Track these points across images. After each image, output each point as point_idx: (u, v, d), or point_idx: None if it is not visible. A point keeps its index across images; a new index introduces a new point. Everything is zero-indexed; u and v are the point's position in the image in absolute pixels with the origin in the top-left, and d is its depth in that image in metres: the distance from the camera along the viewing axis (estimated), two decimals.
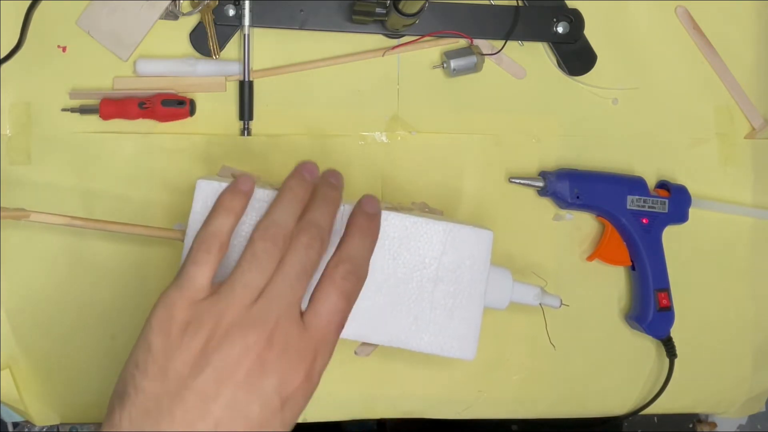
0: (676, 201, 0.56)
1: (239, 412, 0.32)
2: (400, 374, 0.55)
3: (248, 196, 0.39)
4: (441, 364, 0.55)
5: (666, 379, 0.56)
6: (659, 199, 0.55)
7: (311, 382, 0.34)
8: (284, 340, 0.33)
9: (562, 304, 0.50)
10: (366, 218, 0.39)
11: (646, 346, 0.58)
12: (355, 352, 0.47)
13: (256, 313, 0.33)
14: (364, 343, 0.46)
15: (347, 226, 0.39)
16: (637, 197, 0.55)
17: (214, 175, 0.46)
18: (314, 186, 0.40)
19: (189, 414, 0.31)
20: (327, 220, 0.38)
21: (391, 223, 0.44)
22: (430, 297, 0.44)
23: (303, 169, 0.40)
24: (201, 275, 0.35)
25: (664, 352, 0.56)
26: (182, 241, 0.44)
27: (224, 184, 0.41)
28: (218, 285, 0.35)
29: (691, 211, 0.56)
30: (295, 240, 0.36)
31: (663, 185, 0.57)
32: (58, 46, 0.53)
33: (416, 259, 0.44)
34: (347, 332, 0.41)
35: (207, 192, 0.43)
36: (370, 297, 0.44)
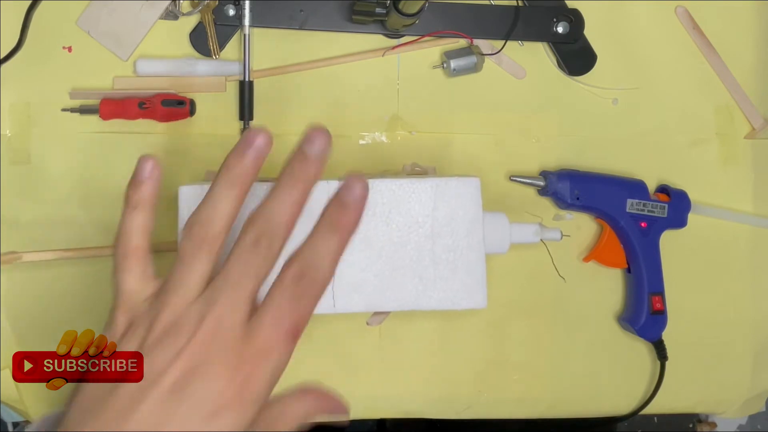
0: (676, 206, 0.56)
1: (160, 422, 0.29)
2: (401, 374, 0.55)
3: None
4: (441, 363, 0.55)
5: (658, 381, 0.56)
6: (659, 204, 0.55)
7: (243, 398, 0.29)
8: (217, 347, 0.30)
9: (563, 235, 0.50)
10: (339, 210, 0.32)
11: (643, 347, 0.57)
12: (367, 323, 0.46)
13: (192, 315, 0.30)
14: (375, 313, 0.46)
15: (319, 217, 0.32)
16: (636, 201, 0.55)
17: (199, 181, 0.45)
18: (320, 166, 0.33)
19: (109, 422, 0.29)
20: (284, 213, 0.31)
21: (377, 190, 0.44)
22: (430, 254, 0.44)
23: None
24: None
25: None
26: None
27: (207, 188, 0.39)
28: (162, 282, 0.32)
29: (691, 213, 0.56)
30: (241, 238, 0.31)
31: (663, 189, 0.57)
32: (64, 47, 0.53)
33: (409, 220, 0.44)
34: (356, 305, 0.40)
35: (191, 198, 0.41)
36: (371, 266, 0.43)
